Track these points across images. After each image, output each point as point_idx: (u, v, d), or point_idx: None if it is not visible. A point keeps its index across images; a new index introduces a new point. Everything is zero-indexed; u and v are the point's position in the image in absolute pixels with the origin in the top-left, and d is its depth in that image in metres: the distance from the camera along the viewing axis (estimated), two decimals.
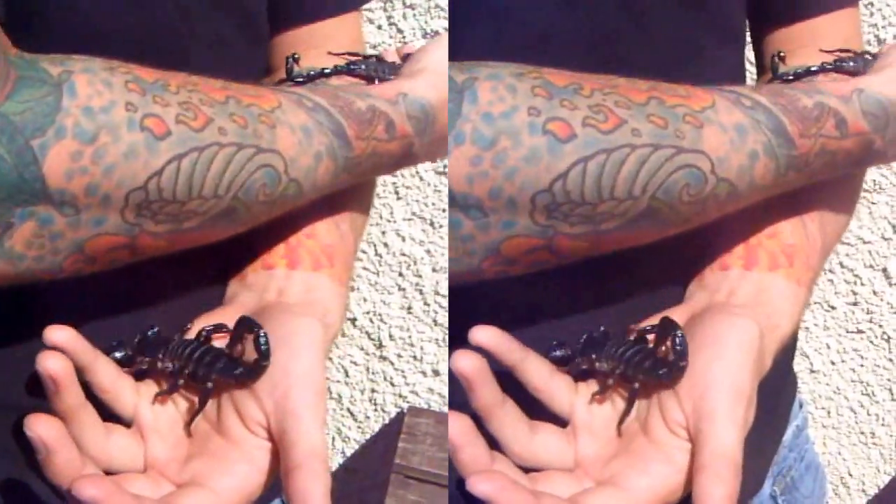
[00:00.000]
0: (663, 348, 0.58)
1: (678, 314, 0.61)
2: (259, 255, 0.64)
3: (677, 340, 0.56)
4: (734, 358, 0.55)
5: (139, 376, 0.58)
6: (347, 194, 0.67)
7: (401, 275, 1.47)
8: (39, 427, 0.49)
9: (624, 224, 0.54)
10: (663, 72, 0.62)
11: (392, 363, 1.53)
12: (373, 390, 1.56)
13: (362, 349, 1.52)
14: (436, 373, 1.52)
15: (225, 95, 0.56)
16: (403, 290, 1.48)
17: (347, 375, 1.54)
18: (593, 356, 0.58)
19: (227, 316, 0.60)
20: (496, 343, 0.57)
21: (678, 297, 0.65)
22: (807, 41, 0.71)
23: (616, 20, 0.62)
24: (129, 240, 0.53)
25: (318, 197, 0.62)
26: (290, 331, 0.55)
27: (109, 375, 0.56)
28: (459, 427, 0.53)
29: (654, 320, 0.60)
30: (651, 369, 0.56)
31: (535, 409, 0.58)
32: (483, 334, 0.56)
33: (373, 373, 1.55)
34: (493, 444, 0.56)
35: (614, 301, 0.65)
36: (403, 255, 1.45)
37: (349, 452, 1.61)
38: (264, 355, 0.54)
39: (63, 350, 0.53)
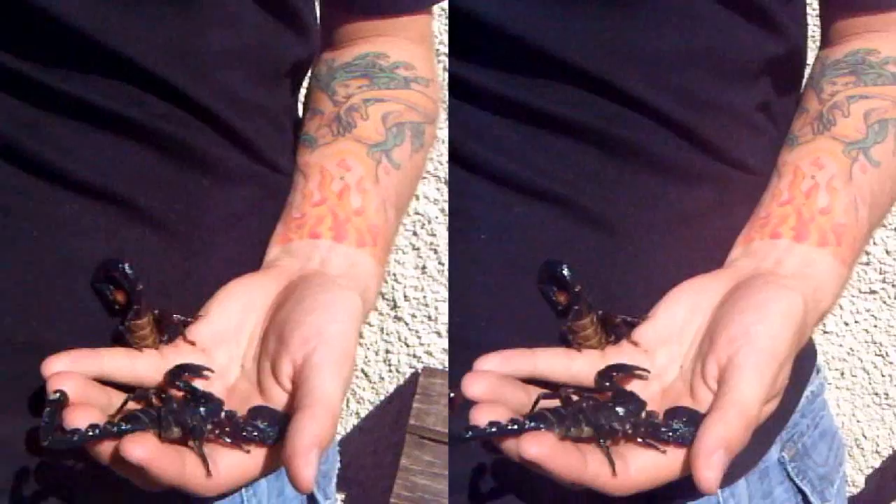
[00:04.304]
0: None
1: (721, 278, 0.62)
2: (307, 223, 0.66)
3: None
4: (775, 323, 0.56)
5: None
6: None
7: (415, 234, 1.46)
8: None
9: None
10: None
11: (406, 323, 1.53)
12: (387, 351, 1.56)
13: (376, 309, 1.52)
14: None
15: None
16: (418, 249, 1.47)
17: (362, 336, 1.54)
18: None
19: (269, 281, 0.62)
20: (503, 366, 0.58)
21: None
22: (881, 27, 0.71)
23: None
24: None
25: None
26: (331, 298, 0.58)
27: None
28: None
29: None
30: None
31: None
32: (489, 363, 0.58)
33: (387, 333, 1.54)
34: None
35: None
36: (418, 214, 1.45)
37: (363, 413, 1.62)
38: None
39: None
